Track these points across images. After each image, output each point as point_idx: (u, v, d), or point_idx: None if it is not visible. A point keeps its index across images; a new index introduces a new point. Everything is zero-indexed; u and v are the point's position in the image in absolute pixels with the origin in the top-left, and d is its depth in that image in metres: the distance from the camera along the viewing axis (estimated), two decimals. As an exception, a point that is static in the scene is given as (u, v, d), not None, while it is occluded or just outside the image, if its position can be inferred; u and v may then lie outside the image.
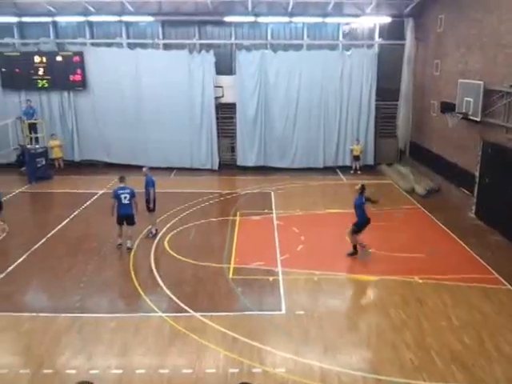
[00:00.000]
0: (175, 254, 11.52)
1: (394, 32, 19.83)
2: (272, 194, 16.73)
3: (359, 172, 19.79)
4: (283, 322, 8.65)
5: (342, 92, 19.73)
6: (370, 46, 19.97)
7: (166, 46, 20.06)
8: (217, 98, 19.72)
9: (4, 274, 10.54)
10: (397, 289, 9.88)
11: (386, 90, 20.01)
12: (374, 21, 19.72)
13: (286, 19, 19.41)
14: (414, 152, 20.18)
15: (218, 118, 19.99)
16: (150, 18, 19.42)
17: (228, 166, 20.39)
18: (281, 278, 10.33)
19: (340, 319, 8.83)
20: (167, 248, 11.92)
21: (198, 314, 8.80)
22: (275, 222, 13.79)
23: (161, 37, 20.06)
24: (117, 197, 11.54)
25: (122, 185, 11.67)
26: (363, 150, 20.13)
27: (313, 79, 19.47)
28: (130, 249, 11.77)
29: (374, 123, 20.26)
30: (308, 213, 11.99)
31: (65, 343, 8.08)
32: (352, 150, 19.99)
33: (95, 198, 16.01)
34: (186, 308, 9.04)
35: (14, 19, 19.37)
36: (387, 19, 19.31)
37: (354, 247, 11.48)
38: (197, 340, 8.04)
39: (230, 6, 18.93)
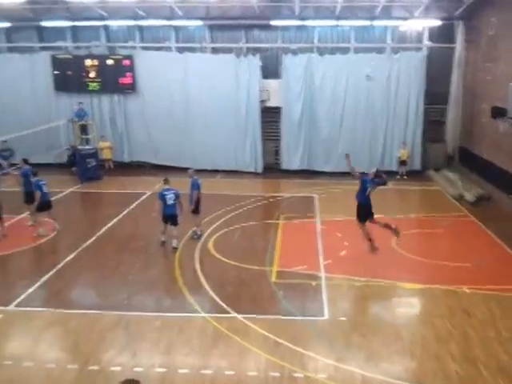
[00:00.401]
0: (219, 256, 11.66)
1: (443, 35, 19.38)
2: (315, 197, 16.66)
3: (405, 177, 19.41)
4: (325, 328, 8.60)
5: (389, 95, 19.43)
6: (418, 49, 19.58)
7: (214, 50, 20.36)
8: (262, 102, 19.83)
9: (54, 271, 10.94)
10: (443, 298, 9.63)
11: (435, 94, 19.56)
12: (423, 24, 19.32)
13: (332, 22, 19.31)
14: (463, 157, 19.61)
15: (262, 122, 20.09)
16: (199, 22, 19.76)
17: (272, 169, 20.46)
18: (323, 283, 10.27)
19: (383, 327, 8.69)
20: (211, 249, 12.09)
21: (240, 316, 8.86)
22: (318, 227, 13.73)
23: (208, 41, 20.38)
24: (162, 198, 11.90)
25: (166, 186, 12.05)
26: (410, 154, 19.73)
27: (359, 83, 19.28)
28: (175, 248, 12.02)
29: (422, 127, 19.83)
30: (351, 218, 11.84)
31: (111, 340, 8.29)
32: (399, 155, 19.62)
33: (143, 199, 16.43)
34: (229, 310, 9.12)
35: (67, 23, 20.14)
36: (436, 22, 18.87)
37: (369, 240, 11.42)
38: (239, 342, 8.10)
39: (277, 10, 19.02)
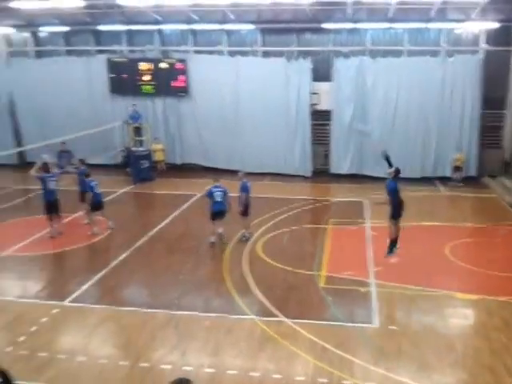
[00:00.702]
0: (267, 259, 11.69)
1: (500, 37, 18.64)
2: (365, 202, 16.40)
3: (460, 184, 18.78)
4: (375, 336, 8.44)
5: (443, 100, 18.89)
6: (474, 52, 18.92)
7: (265, 54, 20.46)
8: (312, 105, 19.74)
9: (108, 269, 11.28)
10: (498, 310, 9.24)
11: (492, 98, 18.85)
12: (480, 26, 18.66)
13: (386, 25, 18.98)
14: (522, 164, 18.78)
15: (312, 125, 20.00)
16: (251, 26, 19.91)
17: (321, 173, 20.31)
18: (373, 290, 10.09)
19: (435, 338, 8.43)
20: (260, 252, 12.13)
21: (288, 320, 8.84)
22: (369, 232, 13.51)
23: (260, 44, 20.50)
24: (211, 195, 12.35)
25: (216, 184, 12.48)
26: (465, 160, 19.09)
27: (412, 86, 18.84)
28: (220, 234, 12.57)
29: (478, 132, 19.15)
30: (403, 224, 11.58)
31: (161, 338, 8.46)
32: (454, 160, 19.01)
33: (194, 200, 16.70)
34: (277, 313, 9.12)
35: (122, 27, 20.74)
36: (494, 24, 18.17)
37: (392, 242, 11.16)
38: (287, 346, 8.08)
39: (329, 13, 18.88)
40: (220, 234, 12.72)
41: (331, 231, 13.62)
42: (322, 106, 19.90)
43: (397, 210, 11.08)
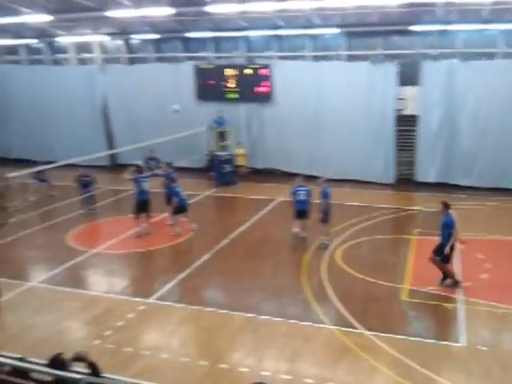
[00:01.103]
0: (347, 268, 11.45)
1: None
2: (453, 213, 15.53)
3: None
4: (462, 356, 7.97)
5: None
6: None
7: (349, 58, 20.13)
8: (398, 110, 19.13)
9: (191, 270, 11.63)
10: None
11: None
12: None
13: (479, 26, 17.95)
14: None
15: (397, 130, 19.35)
16: (336, 30, 19.68)
17: (405, 181, 19.52)
18: (460, 306, 9.53)
19: (529, 363, 7.82)
20: (339, 260, 11.92)
21: (368, 333, 8.60)
22: (456, 245, 12.79)
23: (344, 48, 20.21)
24: (294, 194, 12.75)
25: (300, 183, 12.89)
26: None
27: (507, 91, 17.62)
28: (303, 237, 12.92)
29: None
30: (496, 238, 10.86)
31: (240, 341, 8.59)
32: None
33: (274, 205, 16.77)
34: (356, 324, 8.91)
35: (209, 34, 21.27)
36: None
37: (445, 274, 10.36)
38: (366, 359, 7.86)
39: (418, 14, 18.17)
40: (296, 233, 12.91)
41: (415, 242, 13.06)
42: (408, 111, 19.19)
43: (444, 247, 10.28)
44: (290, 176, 19.90)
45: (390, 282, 10.60)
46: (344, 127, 19.47)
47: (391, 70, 18.76)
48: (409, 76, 19.05)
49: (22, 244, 13.76)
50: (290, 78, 20.02)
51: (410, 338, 8.47)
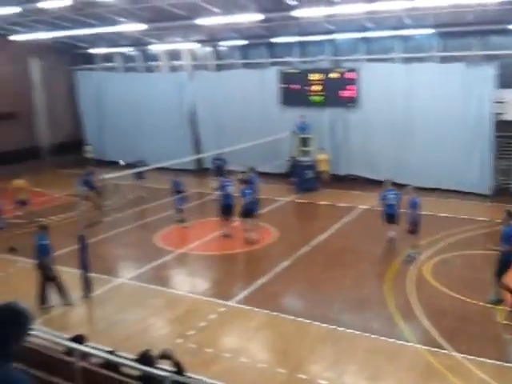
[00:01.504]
0: (436, 283, 10.78)
1: None
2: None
3: None
4: None
5: None
6: None
7: (443, 59, 19.11)
8: (497, 115, 17.82)
9: (271, 275, 11.55)
10: None
11: None
12: None
13: None
14: None
15: (495, 137, 18.00)
16: (429, 31, 18.77)
17: (504, 192, 18.05)
18: None
19: None
20: (427, 275, 11.25)
21: (459, 355, 8.00)
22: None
23: (438, 49, 19.23)
24: (384, 198, 12.70)
25: (389, 188, 12.73)
26: None
27: None
28: (392, 238, 12.53)
29: None
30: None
31: (319, 353, 8.39)
32: None
33: (357, 213, 16.31)
34: (445, 344, 8.32)
35: (295, 39, 21.15)
36: None
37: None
38: (454, 383, 7.32)
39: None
40: (391, 238, 12.58)
41: (513, 259, 12.04)
42: (509, 116, 17.81)
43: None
44: (373, 183, 19.38)
45: (485, 302, 9.79)
46: (435, 133, 18.48)
47: (489, 71, 17.52)
48: (509, 78, 17.73)
49: (113, 242, 14.49)
50: (377, 81, 19.41)
51: (505, 364, 7.78)
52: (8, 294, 10.08)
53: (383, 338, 8.69)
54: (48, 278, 10.00)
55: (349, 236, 14.28)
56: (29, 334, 3.09)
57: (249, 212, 13.87)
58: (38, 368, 4.41)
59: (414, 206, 12.08)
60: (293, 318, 9.49)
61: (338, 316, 9.59)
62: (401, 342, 8.55)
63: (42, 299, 9.99)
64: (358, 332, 8.91)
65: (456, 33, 18.61)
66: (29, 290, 9.88)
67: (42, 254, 9.91)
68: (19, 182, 15.64)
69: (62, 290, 10.12)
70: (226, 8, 17.41)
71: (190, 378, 5.36)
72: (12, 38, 22.40)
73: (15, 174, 16.03)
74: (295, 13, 16.64)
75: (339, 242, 13.79)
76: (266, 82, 21.80)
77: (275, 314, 9.66)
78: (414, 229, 12.08)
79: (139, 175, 17.88)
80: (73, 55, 26.75)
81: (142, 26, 19.68)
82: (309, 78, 20.91)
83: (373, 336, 8.75)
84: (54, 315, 9.75)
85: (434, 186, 18.53)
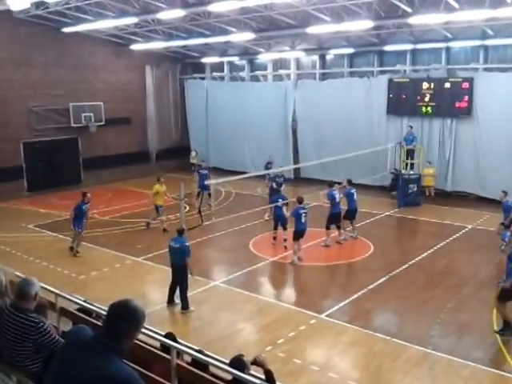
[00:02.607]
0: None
1: None
2: None
3: None
4: None
5: None
6: None
7: None
8: None
9: (365, 291, 11.12)
10: None
11: None
12: None
13: None
14: None
15: None
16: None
17: None
18: None
19: None
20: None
21: None
22: None
23: None
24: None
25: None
26: None
27: None
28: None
29: None
30: None
31: (413, 376, 7.90)
32: None
33: (462, 232, 15.25)
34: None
35: (408, 46, 20.32)
36: None
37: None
38: None
39: None
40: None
41: None
42: None
43: None
44: (484, 201, 18.01)
45: None
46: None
47: None
48: None
49: (210, 245, 14.90)
50: (495, 92, 18.03)
51: None
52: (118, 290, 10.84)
53: (484, 367, 7.99)
54: (182, 279, 10.27)
55: (454, 256, 13.37)
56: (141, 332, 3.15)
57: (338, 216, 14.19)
58: (134, 362, 4.56)
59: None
60: (387, 337, 9.03)
61: (436, 340, 8.96)
62: (505, 373, 7.80)
63: (171, 299, 10.43)
64: (457, 359, 8.25)
65: None
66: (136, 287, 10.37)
67: (184, 255, 10.18)
68: (156, 187, 15.94)
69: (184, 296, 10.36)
70: (337, 16, 17.22)
71: None
72: (132, 47, 24.03)
73: (128, 176, 17.08)
74: (411, 20, 15.97)
75: (442, 262, 12.94)
76: (373, 90, 21.20)
77: (367, 331, 9.28)
78: None
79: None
80: (183, 64, 28.07)
81: (251, 36, 20.12)
82: (419, 87, 19.94)
83: (474, 364, 8.05)
84: (150, 311, 10.06)
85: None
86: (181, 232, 10.46)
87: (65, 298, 5.92)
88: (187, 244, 10.32)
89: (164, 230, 15.43)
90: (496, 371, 7.90)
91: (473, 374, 7.85)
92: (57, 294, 5.84)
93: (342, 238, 14.45)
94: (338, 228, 14.36)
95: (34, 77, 21.19)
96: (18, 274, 6.47)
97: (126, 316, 2.94)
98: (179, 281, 10.29)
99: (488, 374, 7.84)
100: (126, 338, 2.95)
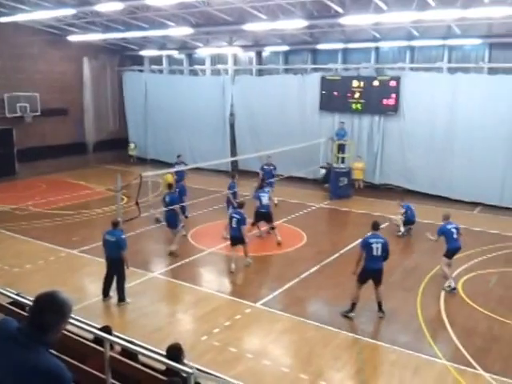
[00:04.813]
0: (469, 301, 10.45)
1: None
2: None
3: None
4: None
5: None
6: None
7: (491, 71, 18.52)
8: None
9: (298, 279, 11.51)
10: None
11: None
12: None
13: None
14: None
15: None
16: (477, 41, 18.29)
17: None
18: None
19: None
20: (460, 292, 10.93)
21: (487, 375, 7.75)
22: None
23: (486, 60, 18.69)
24: (446, 232, 10.94)
25: (448, 220, 11.16)
26: None
27: None
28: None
29: None
30: None
31: (344, 361, 8.25)
32: None
33: (389, 224, 16.02)
34: (475, 363, 8.07)
35: (340, 45, 21.05)
36: None
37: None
38: (483, 404, 7.12)
39: None
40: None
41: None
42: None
43: None
44: (410, 193, 19.01)
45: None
46: (477, 145, 17.92)
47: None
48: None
49: (148, 237, 14.75)
50: (420, 90, 19.07)
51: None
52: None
53: (410, 351, 8.48)
54: (117, 272, 10.18)
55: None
56: (68, 323, 3.15)
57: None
58: (68, 355, 4.50)
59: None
60: (318, 324, 9.39)
61: (364, 326, 9.45)
62: (428, 357, 8.32)
63: (106, 292, 10.31)
64: (384, 344, 8.77)
65: (507, 44, 18.02)
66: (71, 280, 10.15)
67: (120, 248, 10.05)
68: (168, 177, 15.55)
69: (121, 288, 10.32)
70: (273, 14, 17.51)
71: (215, 376, 5.40)
72: (69, 38, 23.31)
73: (65, 167, 16.42)
74: (342, 20, 16.53)
75: None
76: (307, 87, 21.76)
77: (300, 319, 9.62)
78: None
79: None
80: (122, 56, 27.47)
81: (189, 30, 20.01)
82: (350, 84, 20.71)
83: (400, 349, 8.56)
84: (87, 304, 9.96)
85: (473, 200, 18.08)
86: (116, 224, 10.33)
87: (-4, 291, 5.76)
88: (123, 237, 10.21)
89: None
90: (419, 355, 8.38)
91: (399, 358, 8.32)
92: (-13, 288, 5.65)
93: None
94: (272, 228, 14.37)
95: (-32, 66, 20.12)
96: None
97: (52, 308, 2.91)
98: (115, 273, 10.19)
99: (412, 358, 8.30)
100: (52, 329, 2.92)
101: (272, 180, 17.14)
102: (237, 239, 12.16)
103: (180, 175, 16.18)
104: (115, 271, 10.19)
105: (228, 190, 15.01)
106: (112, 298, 10.34)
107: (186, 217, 15.40)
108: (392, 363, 8.20)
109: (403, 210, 14.95)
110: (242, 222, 12.02)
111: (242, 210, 12.41)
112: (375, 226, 10.04)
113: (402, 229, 14.77)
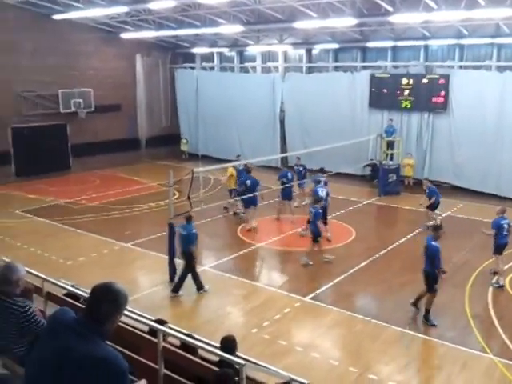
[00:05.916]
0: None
1: None
2: None
3: None
4: None
5: None
6: None
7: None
8: None
9: (347, 275, 11.77)
10: None
11: None
12: None
13: None
14: None
15: None
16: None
17: None
18: None
19: None
20: (509, 288, 10.97)
21: (535, 371, 7.87)
22: None
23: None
24: (498, 227, 10.96)
25: (501, 215, 11.13)
26: None
27: None
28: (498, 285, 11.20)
29: None
30: None
31: (392, 355, 8.48)
32: None
33: (440, 220, 15.96)
34: (522, 360, 8.18)
35: (389, 43, 21.05)
36: None
37: None
38: (531, 399, 7.24)
39: None
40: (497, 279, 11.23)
41: None
42: None
43: None
44: (458, 190, 18.80)
45: None
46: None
47: None
48: None
49: (199, 231, 15.25)
50: (469, 88, 18.87)
51: None
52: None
53: (458, 346, 8.66)
54: (189, 265, 10.50)
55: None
56: (123, 315, 3.16)
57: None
58: (123, 346, 4.45)
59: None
60: (367, 319, 9.62)
61: (412, 321, 9.65)
62: (476, 352, 8.49)
63: (178, 288, 10.58)
64: (432, 338, 8.97)
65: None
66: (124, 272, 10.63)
67: (190, 242, 10.41)
68: (230, 170, 15.97)
69: (197, 279, 10.68)
70: (323, 12, 17.71)
71: (265, 367, 5.45)
72: (122, 35, 24.16)
73: (117, 163, 16.94)
74: (392, 18, 16.57)
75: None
76: (356, 85, 21.86)
77: (349, 313, 9.86)
78: None
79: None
80: (174, 54, 28.24)
81: (240, 28, 20.46)
82: (399, 82, 20.68)
83: (447, 343, 8.75)
84: (139, 296, 10.32)
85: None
86: (189, 218, 10.64)
87: (52, 282, 5.88)
88: (194, 231, 10.51)
89: (234, 213, 16.15)
90: (467, 349, 8.53)
91: (446, 352, 8.52)
92: (43, 279, 5.85)
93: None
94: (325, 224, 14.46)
95: (24, 63, 21.19)
96: (5, 259, 6.65)
97: (108, 298, 2.93)
98: (188, 267, 10.50)
99: (460, 352, 8.47)
100: (108, 320, 2.93)
101: (301, 182, 17.21)
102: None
103: (241, 173, 16.22)
104: (188, 265, 10.49)
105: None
106: (179, 296, 10.64)
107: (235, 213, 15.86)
108: (440, 357, 8.40)
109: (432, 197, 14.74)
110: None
111: (318, 205, 12.79)
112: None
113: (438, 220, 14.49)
